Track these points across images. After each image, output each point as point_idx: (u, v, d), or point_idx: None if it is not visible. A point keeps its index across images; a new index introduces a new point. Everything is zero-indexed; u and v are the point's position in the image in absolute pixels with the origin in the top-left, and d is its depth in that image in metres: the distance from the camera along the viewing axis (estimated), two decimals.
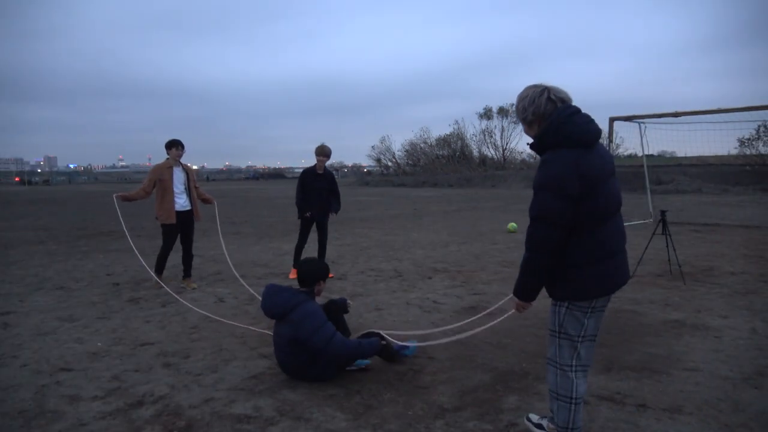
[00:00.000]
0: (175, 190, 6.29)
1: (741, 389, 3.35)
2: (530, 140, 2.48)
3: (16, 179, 74.79)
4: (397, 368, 3.79)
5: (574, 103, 2.45)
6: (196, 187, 6.54)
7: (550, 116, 2.37)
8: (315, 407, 3.21)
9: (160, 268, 6.48)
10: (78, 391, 3.48)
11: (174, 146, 6.34)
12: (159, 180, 6.25)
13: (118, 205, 6.41)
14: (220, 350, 4.25)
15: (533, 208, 2.35)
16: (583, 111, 2.42)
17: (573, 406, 2.50)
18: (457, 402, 3.25)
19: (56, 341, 4.50)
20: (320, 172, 7.03)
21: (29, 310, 5.53)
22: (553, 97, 2.39)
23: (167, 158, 6.38)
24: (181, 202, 6.37)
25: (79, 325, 4.98)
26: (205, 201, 6.74)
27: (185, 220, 6.43)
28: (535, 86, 2.45)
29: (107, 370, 3.85)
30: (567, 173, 2.26)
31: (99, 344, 4.41)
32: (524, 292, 2.48)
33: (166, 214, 6.25)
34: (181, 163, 6.45)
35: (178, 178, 6.35)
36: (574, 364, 2.50)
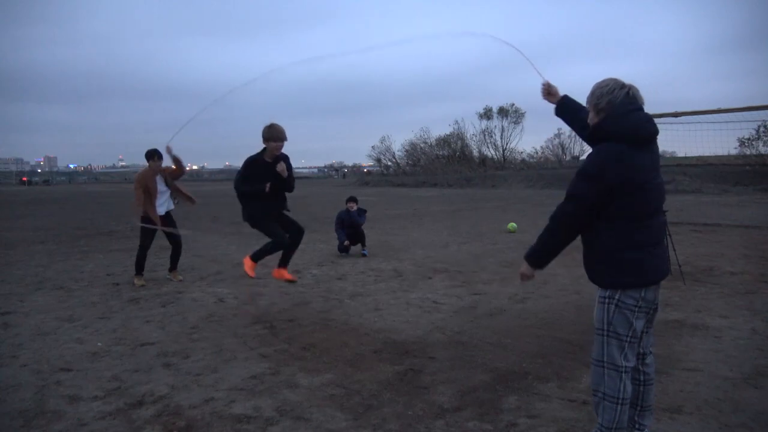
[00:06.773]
0: (158, 196, 6.71)
1: (741, 389, 3.35)
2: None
3: (24, 179, 74.74)
4: (397, 368, 3.79)
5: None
6: (174, 183, 6.86)
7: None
8: (315, 407, 3.21)
9: (140, 268, 6.74)
10: (78, 391, 3.48)
11: (152, 157, 6.70)
12: (145, 186, 6.61)
13: (142, 219, 6.65)
14: (220, 350, 4.25)
15: (569, 188, 2.50)
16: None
17: (619, 406, 2.50)
18: (457, 402, 3.25)
19: (56, 341, 4.50)
20: (269, 160, 5.16)
21: (29, 310, 5.53)
22: (630, 94, 2.46)
23: (148, 166, 6.72)
24: (162, 209, 6.78)
25: (79, 325, 4.98)
26: (186, 198, 7.04)
27: (164, 222, 6.81)
28: (617, 80, 2.52)
29: (107, 370, 3.85)
30: (608, 163, 2.36)
31: (99, 344, 4.41)
32: (534, 257, 2.62)
33: (153, 220, 6.58)
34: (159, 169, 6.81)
35: (161, 185, 6.74)
36: (623, 364, 2.49)
